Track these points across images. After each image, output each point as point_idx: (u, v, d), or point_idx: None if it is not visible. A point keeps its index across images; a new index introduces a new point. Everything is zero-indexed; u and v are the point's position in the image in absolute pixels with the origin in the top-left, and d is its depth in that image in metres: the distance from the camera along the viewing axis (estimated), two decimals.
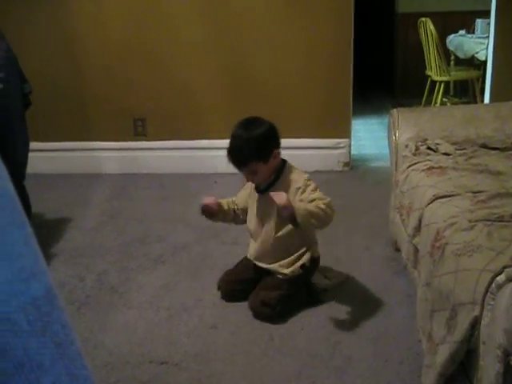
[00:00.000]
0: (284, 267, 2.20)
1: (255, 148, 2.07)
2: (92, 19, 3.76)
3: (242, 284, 2.28)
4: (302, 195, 2.07)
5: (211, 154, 3.76)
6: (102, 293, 2.37)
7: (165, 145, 3.90)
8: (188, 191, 3.55)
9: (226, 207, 2.30)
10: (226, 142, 3.67)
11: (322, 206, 1.97)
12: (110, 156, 3.95)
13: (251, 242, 2.32)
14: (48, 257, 2.64)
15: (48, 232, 2.97)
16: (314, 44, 3.68)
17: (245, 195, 2.32)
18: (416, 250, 1.92)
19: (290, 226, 2.09)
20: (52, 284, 0.38)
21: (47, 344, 0.36)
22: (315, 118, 3.76)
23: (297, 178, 2.14)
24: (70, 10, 3.75)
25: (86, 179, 3.81)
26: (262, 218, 2.22)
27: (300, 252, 2.21)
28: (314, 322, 2.12)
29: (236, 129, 2.14)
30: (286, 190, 2.06)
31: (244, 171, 2.13)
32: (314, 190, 2.09)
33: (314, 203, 2.00)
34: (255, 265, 2.28)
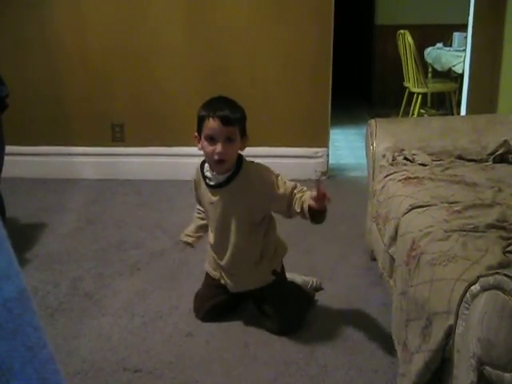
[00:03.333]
0: (265, 275, 2.11)
1: (241, 114, 1.97)
2: (72, 23, 3.73)
3: (220, 306, 2.19)
4: (281, 188, 1.93)
5: (189, 161, 3.71)
6: (76, 299, 2.35)
7: (142, 151, 3.88)
8: (165, 198, 3.53)
9: (201, 232, 2.23)
10: None
11: None
12: (88, 161, 3.92)
13: (213, 261, 2.15)
14: (22, 262, 2.61)
15: (23, 237, 2.93)
16: (293, 53, 3.69)
17: (193, 185, 2.15)
18: (392, 260, 1.93)
19: (248, 228, 2.01)
20: (25, 286, 0.38)
21: (18, 347, 0.35)
22: (294, 127, 3.78)
23: (261, 171, 2.00)
24: (49, 13, 3.72)
25: (63, 184, 3.77)
26: (224, 223, 2.03)
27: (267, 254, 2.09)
28: None
29: (217, 96, 2.03)
30: (251, 185, 1.96)
31: (224, 133, 1.89)
32: (282, 180, 1.98)
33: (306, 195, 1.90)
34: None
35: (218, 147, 1.89)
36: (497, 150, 2.39)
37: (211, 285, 2.21)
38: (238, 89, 3.74)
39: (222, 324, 2.16)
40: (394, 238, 1.91)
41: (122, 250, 2.81)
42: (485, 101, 3.68)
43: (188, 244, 2.23)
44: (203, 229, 2.21)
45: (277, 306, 2.09)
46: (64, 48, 3.78)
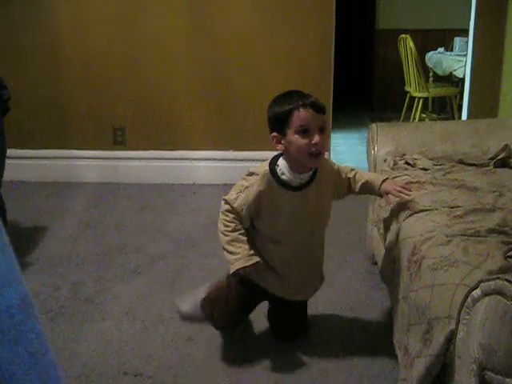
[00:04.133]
0: (321, 280, 2.09)
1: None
2: (74, 27, 3.74)
3: (243, 313, 2.06)
4: (342, 173, 1.97)
5: (190, 165, 3.75)
6: (77, 303, 2.35)
7: (144, 155, 3.88)
8: (167, 202, 3.53)
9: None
10: (205, 153, 3.68)
11: None
12: (89, 165, 3.92)
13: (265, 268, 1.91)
14: (23, 266, 2.61)
15: (23, 241, 2.93)
16: (295, 58, 3.70)
17: (253, 197, 1.83)
18: (393, 264, 1.93)
19: (324, 227, 2.00)
20: (27, 293, 0.38)
21: (20, 353, 0.35)
22: None
23: (326, 160, 1.95)
24: (51, 17, 3.73)
25: (64, 188, 3.77)
26: (308, 226, 1.92)
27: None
28: None
29: (286, 91, 1.87)
30: (326, 177, 1.91)
31: (318, 122, 1.74)
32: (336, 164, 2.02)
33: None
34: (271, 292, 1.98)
35: (315, 137, 1.72)
36: (498, 155, 2.39)
37: (247, 290, 1.96)
38: (241, 93, 3.75)
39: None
40: (395, 243, 1.91)
41: (122, 253, 2.81)
42: (486, 105, 3.68)
43: (256, 264, 1.83)
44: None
45: (298, 314, 2.08)
46: (65, 52, 3.79)
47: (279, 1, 3.64)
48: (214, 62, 3.75)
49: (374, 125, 2.61)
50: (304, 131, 1.73)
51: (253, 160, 3.78)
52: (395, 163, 2.37)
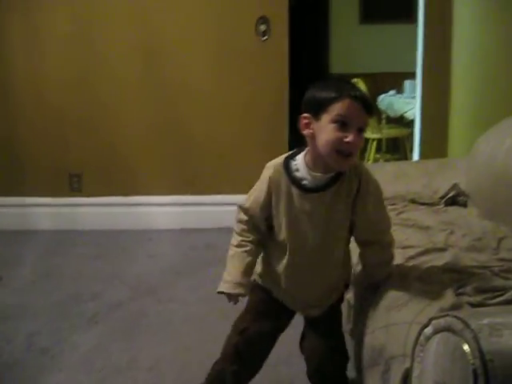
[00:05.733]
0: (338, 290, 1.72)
1: None
2: (28, 75, 3.74)
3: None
4: (379, 215, 1.60)
5: (147, 210, 3.73)
6: (32, 355, 2.28)
7: (100, 201, 3.85)
8: (123, 248, 3.50)
9: (251, 274, 1.65)
10: (161, 199, 3.68)
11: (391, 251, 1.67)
12: (45, 212, 3.86)
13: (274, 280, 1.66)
14: None
15: None
16: (250, 107, 3.77)
17: (266, 187, 1.61)
18: (350, 306, 1.95)
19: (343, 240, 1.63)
20: None
21: None
22: (252, 176, 3.79)
23: (368, 181, 1.56)
24: (4, 65, 3.72)
25: (19, 236, 3.70)
26: (318, 236, 1.57)
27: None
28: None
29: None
30: (350, 192, 1.54)
31: (362, 121, 1.46)
32: (384, 208, 1.64)
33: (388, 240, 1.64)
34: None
35: (351, 136, 1.44)
36: (448, 193, 2.46)
37: (269, 303, 1.70)
38: (197, 138, 3.79)
39: (184, 377, 2.12)
40: (352, 285, 1.93)
41: (79, 302, 2.75)
42: (436, 145, 3.80)
43: (239, 296, 1.59)
44: (252, 269, 1.64)
45: (328, 338, 1.66)
46: (18, 97, 3.77)
47: (236, 52, 3.71)
48: (170, 108, 3.78)
49: None
50: (342, 124, 1.45)
51: (210, 204, 3.81)
52: None
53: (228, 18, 3.68)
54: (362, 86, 5.52)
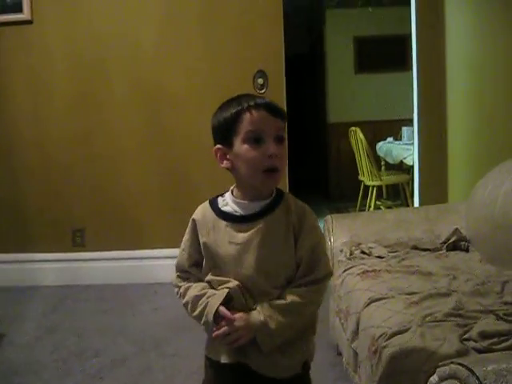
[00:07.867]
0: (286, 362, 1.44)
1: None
2: (32, 131, 3.81)
3: None
4: (317, 258, 1.36)
5: (151, 264, 3.74)
6: None
7: (104, 255, 3.86)
8: (128, 302, 3.49)
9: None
10: (165, 251, 3.67)
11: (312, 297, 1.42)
12: (48, 267, 3.87)
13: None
14: None
15: None
16: None
17: (194, 242, 1.45)
18: (356, 354, 1.94)
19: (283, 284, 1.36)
20: None
21: None
22: None
23: (309, 214, 1.42)
24: (9, 121, 3.80)
25: (22, 292, 3.70)
26: (254, 274, 1.33)
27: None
28: None
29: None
30: (284, 226, 1.34)
31: (273, 127, 1.31)
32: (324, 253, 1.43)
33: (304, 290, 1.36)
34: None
35: (270, 148, 1.30)
36: (449, 239, 2.47)
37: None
38: (199, 190, 3.81)
39: None
40: (356, 333, 1.92)
41: (83, 358, 2.73)
42: (436, 190, 3.83)
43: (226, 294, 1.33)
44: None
45: None
46: (22, 153, 3.84)
47: None
48: (173, 163, 3.83)
49: (329, 216, 2.69)
50: (256, 139, 1.31)
51: None
52: (351, 253, 2.42)
53: (227, 72, 3.76)
54: (359, 134, 5.61)
